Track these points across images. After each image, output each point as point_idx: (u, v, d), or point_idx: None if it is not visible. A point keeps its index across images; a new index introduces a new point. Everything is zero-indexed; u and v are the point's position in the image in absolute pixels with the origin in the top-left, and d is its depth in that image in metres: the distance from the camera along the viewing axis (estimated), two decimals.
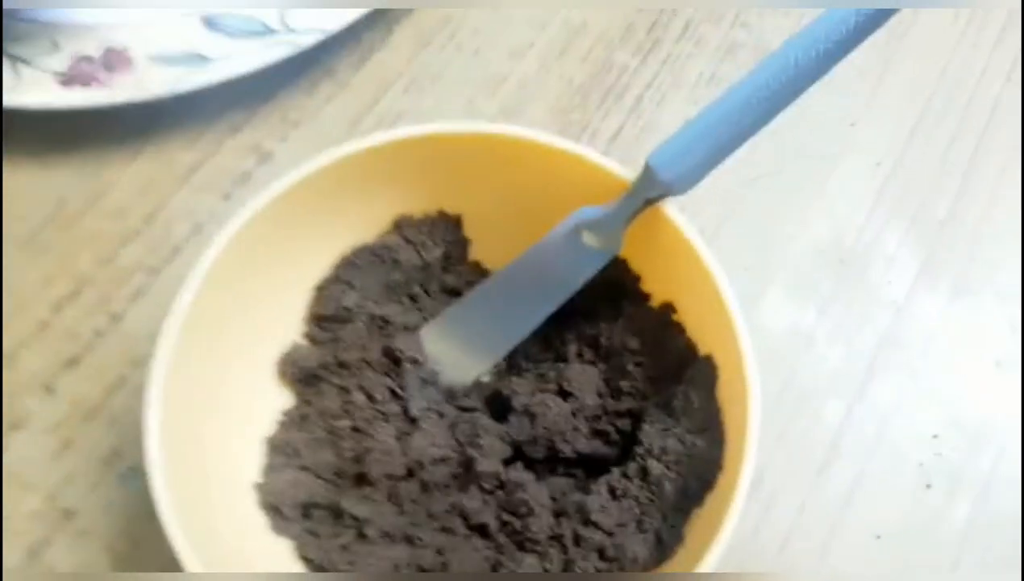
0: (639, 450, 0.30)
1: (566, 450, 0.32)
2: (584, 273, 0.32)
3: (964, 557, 0.36)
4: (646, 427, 0.31)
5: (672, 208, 0.31)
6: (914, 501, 0.36)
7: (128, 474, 0.35)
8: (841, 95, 0.44)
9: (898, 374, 0.38)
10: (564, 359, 0.34)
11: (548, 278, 0.33)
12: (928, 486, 0.36)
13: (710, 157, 0.29)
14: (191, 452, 0.29)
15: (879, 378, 0.38)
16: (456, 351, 0.34)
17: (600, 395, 0.33)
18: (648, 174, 0.29)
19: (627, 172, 0.31)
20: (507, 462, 0.32)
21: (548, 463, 0.33)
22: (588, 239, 0.31)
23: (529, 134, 0.32)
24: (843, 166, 0.42)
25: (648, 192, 0.30)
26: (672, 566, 0.29)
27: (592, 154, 0.31)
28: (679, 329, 0.32)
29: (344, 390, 0.33)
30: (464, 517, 0.31)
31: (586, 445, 0.32)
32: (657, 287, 0.34)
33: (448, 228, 0.35)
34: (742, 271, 0.40)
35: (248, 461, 0.32)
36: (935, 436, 0.37)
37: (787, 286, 0.40)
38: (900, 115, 0.44)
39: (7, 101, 0.38)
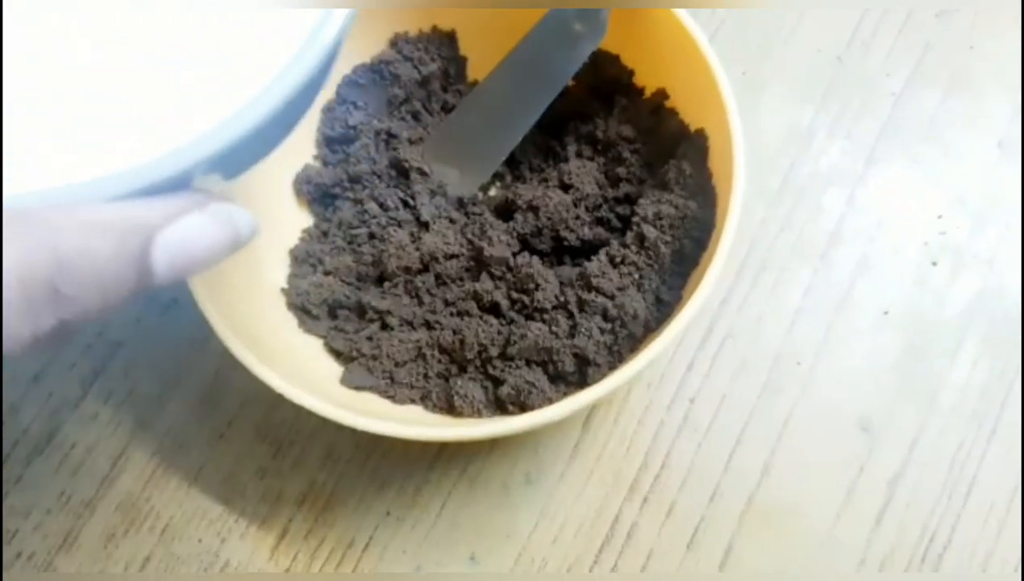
0: (635, 219, 0.31)
1: (570, 238, 0.33)
2: (574, 62, 0.33)
3: (970, 330, 0.36)
4: (642, 201, 0.32)
5: None
6: (920, 279, 0.37)
7: (170, 304, 0.38)
8: None
9: (899, 160, 0.39)
10: (565, 161, 0.35)
11: (538, 73, 0.34)
12: (934, 264, 0.37)
13: None
14: (224, 269, 0.31)
15: (880, 165, 0.39)
16: (458, 162, 0.36)
17: (599, 186, 0.34)
18: None
19: None
20: (515, 255, 0.34)
21: (555, 255, 0.34)
22: (575, 23, 0.32)
23: None
24: None
25: None
26: (673, 324, 0.30)
27: None
28: (672, 113, 0.33)
29: (358, 202, 0.35)
30: (477, 300, 0.32)
31: (589, 232, 0.33)
32: (650, 79, 0.34)
33: (443, 43, 0.36)
34: (739, 76, 0.40)
35: (276, 272, 0.34)
36: (939, 216, 0.38)
37: (785, 86, 0.40)
38: None
39: None
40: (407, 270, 0.33)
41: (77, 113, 0.18)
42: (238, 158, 0.18)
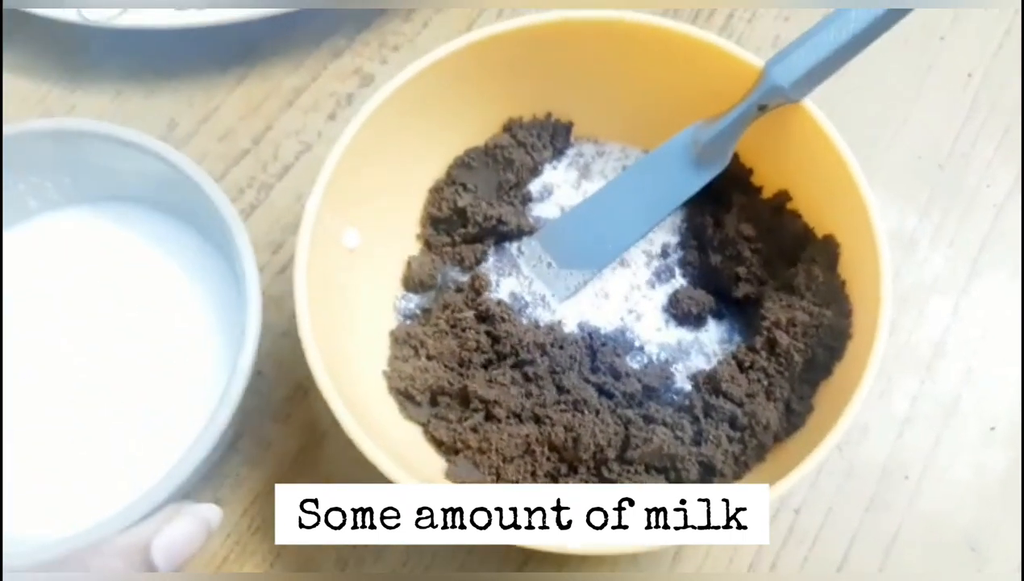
0: (764, 324, 0.30)
1: None
2: (695, 185, 0.33)
3: None
4: (769, 304, 0.31)
5: None
6: None
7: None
8: (927, 11, 0.44)
9: (1002, 272, 0.38)
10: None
11: (657, 190, 0.34)
12: None
13: (825, 67, 0.30)
14: (333, 349, 0.30)
15: (983, 276, 0.38)
16: (564, 258, 0.35)
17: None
18: (766, 79, 0.30)
19: (752, 57, 0.31)
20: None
21: None
22: (701, 152, 0.32)
23: (656, 20, 0.32)
24: (934, 77, 0.43)
25: (764, 99, 0.30)
26: (804, 435, 0.29)
27: (721, 41, 0.32)
28: (794, 215, 0.33)
29: (461, 289, 0.34)
30: (594, 394, 0.31)
31: None
32: (769, 179, 0.34)
33: (558, 131, 0.36)
34: None
35: (376, 353, 0.33)
36: None
37: (887, 191, 0.40)
38: (986, 29, 0.44)
39: (118, 22, 0.39)
40: (522, 356, 0.32)
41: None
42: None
